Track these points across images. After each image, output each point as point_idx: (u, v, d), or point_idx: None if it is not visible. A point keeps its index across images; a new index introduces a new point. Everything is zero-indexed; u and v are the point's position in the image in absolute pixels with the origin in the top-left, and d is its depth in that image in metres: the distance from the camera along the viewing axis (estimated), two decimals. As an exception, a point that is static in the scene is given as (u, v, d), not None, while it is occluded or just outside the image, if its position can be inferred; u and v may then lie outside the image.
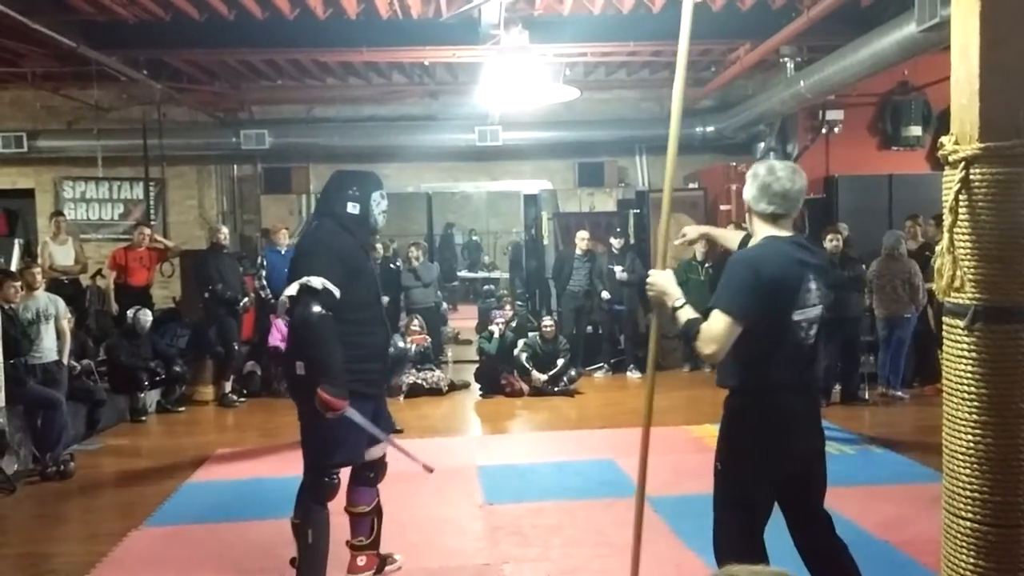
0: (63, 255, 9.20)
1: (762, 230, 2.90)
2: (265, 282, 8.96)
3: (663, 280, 2.90)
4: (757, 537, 2.86)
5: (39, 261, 8.49)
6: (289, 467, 6.17)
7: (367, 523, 3.95)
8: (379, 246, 10.30)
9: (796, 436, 2.85)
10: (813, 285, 2.82)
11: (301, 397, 3.53)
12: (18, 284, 6.49)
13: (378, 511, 3.98)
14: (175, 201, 11.40)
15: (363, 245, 3.77)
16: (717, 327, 2.70)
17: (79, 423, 7.08)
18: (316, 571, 3.66)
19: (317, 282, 3.36)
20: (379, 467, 3.94)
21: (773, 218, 2.87)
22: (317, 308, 3.35)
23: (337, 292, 3.40)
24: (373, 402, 3.71)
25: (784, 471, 2.88)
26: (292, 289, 3.41)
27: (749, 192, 2.90)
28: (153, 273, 9.38)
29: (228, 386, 8.65)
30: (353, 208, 3.64)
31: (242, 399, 8.69)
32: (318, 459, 3.58)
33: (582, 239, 9.81)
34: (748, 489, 2.87)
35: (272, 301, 8.69)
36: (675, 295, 2.85)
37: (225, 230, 9.02)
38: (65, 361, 6.84)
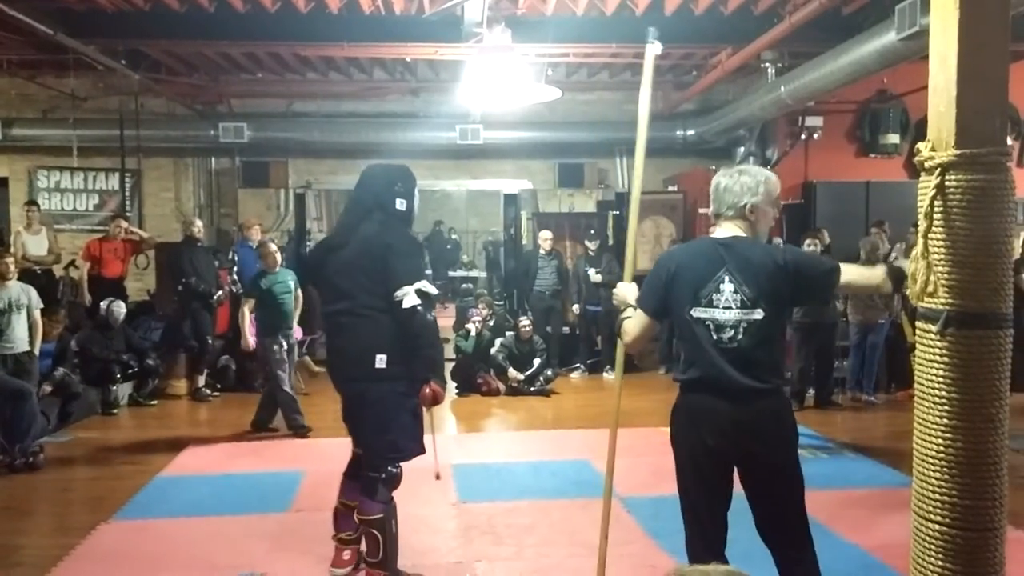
0: (36, 245, 9.08)
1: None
2: (237, 276, 8.89)
3: (623, 290, 3.14)
4: (715, 551, 2.79)
5: (11, 251, 8.36)
6: (261, 462, 6.18)
7: (354, 518, 3.98)
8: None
9: (708, 434, 2.81)
10: (728, 287, 2.77)
11: (377, 390, 3.63)
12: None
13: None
14: (151, 193, 11.29)
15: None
16: (631, 319, 3.00)
17: (52, 415, 7.00)
18: (396, 558, 3.85)
19: (432, 288, 3.58)
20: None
21: (715, 217, 2.96)
22: (431, 312, 3.58)
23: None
24: None
25: (702, 472, 2.87)
26: (413, 297, 3.51)
27: None
28: (127, 265, 9.28)
29: (201, 380, 8.58)
30: (401, 204, 3.75)
31: (215, 393, 8.62)
32: (395, 451, 3.72)
33: (545, 239, 9.83)
34: (684, 493, 2.94)
35: (244, 296, 8.63)
36: (628, 303, 3.06)
37: (199, 223, 8.94)
38: (36, 352, 6.76)
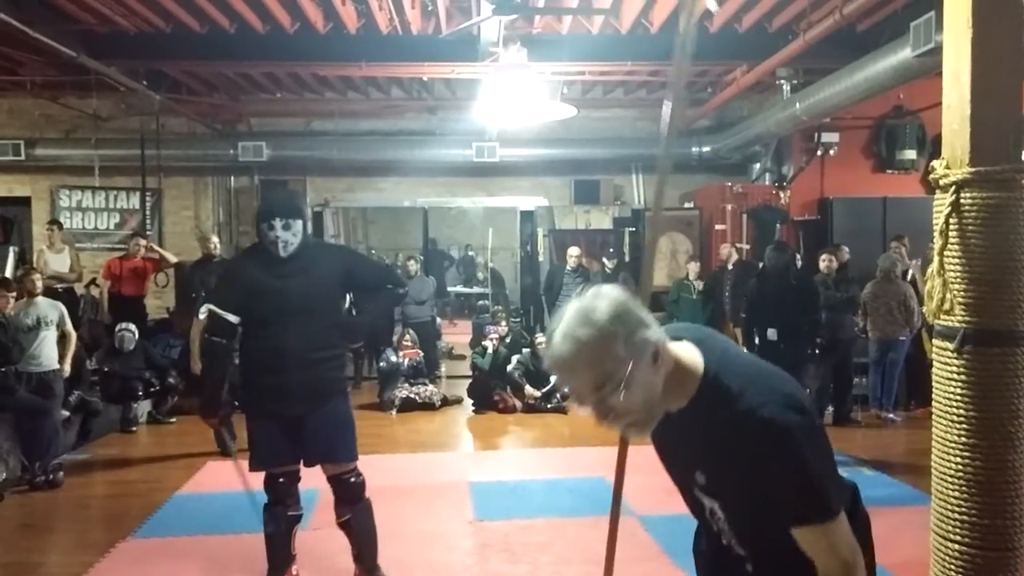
0: (59, 263, 9.18)
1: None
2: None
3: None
4: None
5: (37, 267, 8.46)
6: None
7: (349, 536, 4.01)
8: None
9: None
10: None
11: None
12: (11, 294, 6.49)
13: (347, 526, 3.96)
14: (171, 212, 11.40)
15: (267, 267, 3.71)
16: (841, 530, 1.64)
17: (72, 433, 7.06)
18: (270, 554, 3.94)
19: (203, 311, 3.76)
20: (333, 483, 3.90)
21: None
22: (207, 334, 3.77)
23: (231, 317, 3.70)
24: (278, 421, 3.74)
25: None
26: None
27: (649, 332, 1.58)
28: (148, 284, 9.36)
29: (220, 397, 8.61)
30: (257, 235, 3.81)
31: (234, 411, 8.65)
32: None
33: (572, 255, 9.82)
34: None
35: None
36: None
37: (215, 239, 9.00)
38: (67, 368, 6.81)
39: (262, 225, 3.71)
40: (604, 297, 1.59)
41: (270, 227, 3.68)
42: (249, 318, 3.69)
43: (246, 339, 3.74)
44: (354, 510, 3.92)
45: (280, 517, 3.88)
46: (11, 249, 9.92)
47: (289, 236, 3.69)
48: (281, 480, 3.83)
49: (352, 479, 3.88)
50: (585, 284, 9.72)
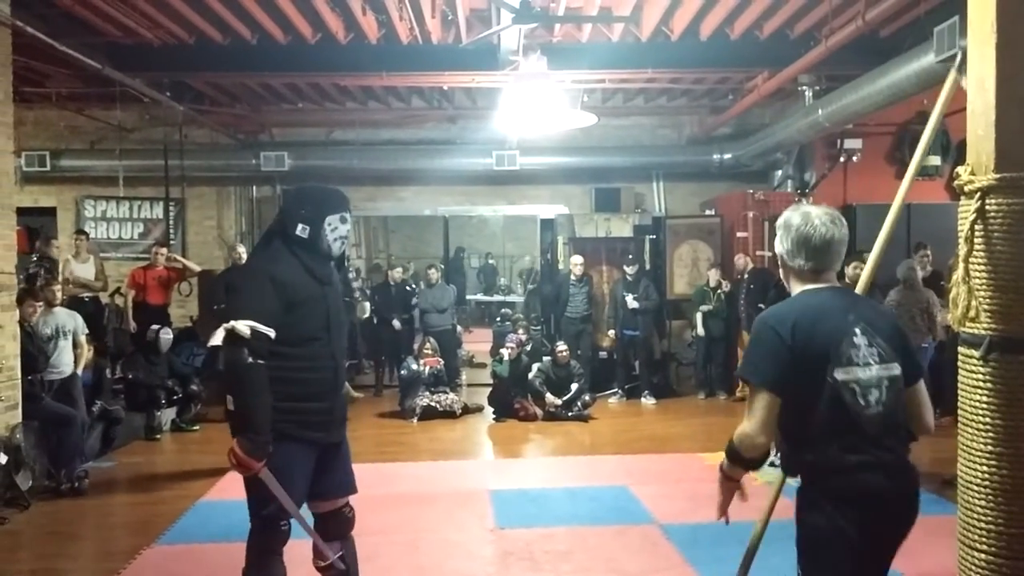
0: (84, 273, 9.30)
1: (798, 286, 2.47)
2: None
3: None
4: None
5: (60, 277, 8.57)
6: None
7: None
8: (397, 270, 10.34)
9: (874, 523, 2.33)
10: (862, 340, 2.32)
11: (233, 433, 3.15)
12: (39, 304, 6.58)
13: (330, 568, 3.41)
14: (194, 221, 11.51)
15: (312, 271, 3.20)
16: (759, 404, 2.31)
17: (95, 440, 7.13)
18: None
19: (244, 328, 3.00)
20: (329, 519, 3.43)
21: (813, 273, 2.41)
22: (245, 356, 3.01)
23: (271, 332, 3.04)
24: (316, 451, 3.25)
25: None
26: (220, 335, 3.04)
27: (783, 245, 2.45)
28: (171, 293, 9.46)
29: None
30: (303, 231, 3.20)
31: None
32: (256, 506, 3.25)
33: (576, 264, 9.83)
34: None
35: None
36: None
37: (241, 249, 9.08)
38: (80, 372, 6.89)
39: (330, 218, 3.21)
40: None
41: (343, 220, 3.26)
42: (290, 332, 3.10)
43: (280, 358, 3.09)
44: (345, 546, 3.46)
45: (281, 571, 3.33)
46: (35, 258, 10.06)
47: (349, 233, 3.37)
48: (291, 525, 3.29)
49: (350, 511, 3.47)
50: (590, 292, 9.77)
